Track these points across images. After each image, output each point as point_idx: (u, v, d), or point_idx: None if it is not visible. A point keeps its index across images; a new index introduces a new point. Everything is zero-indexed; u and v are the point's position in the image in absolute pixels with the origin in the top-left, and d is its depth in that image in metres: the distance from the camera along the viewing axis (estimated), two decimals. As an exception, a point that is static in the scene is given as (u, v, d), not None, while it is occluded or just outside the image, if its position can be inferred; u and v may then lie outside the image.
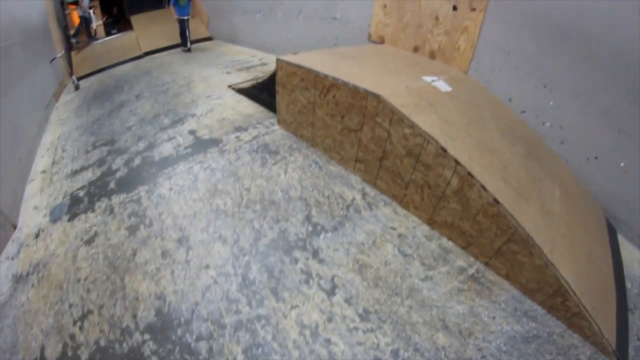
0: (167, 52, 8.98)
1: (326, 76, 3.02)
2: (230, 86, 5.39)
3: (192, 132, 4.05)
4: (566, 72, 3.58)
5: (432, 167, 2.54)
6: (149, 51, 9.06)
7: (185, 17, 8.58)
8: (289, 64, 3.39)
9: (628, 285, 2.86)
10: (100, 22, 11.97)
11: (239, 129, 3.99)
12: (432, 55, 4.36)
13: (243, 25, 8.20)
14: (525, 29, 3.81)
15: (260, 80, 4.32)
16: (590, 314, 2.10)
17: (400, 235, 2.63)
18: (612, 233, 3.27)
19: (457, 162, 2.38)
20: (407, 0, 4.48)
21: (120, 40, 10.01)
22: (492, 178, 2.43)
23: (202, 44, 9.53)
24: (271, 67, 6.27)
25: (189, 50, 8.77)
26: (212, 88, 5.46)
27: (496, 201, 2.27)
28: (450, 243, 2.61)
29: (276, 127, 3.96)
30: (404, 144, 2.64)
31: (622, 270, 2.98)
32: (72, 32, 10.34)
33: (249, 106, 4.60)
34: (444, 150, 2.42)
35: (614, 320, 2.33)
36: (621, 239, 3.27)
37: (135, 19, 10.84)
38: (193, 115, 4.44)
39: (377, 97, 2.68)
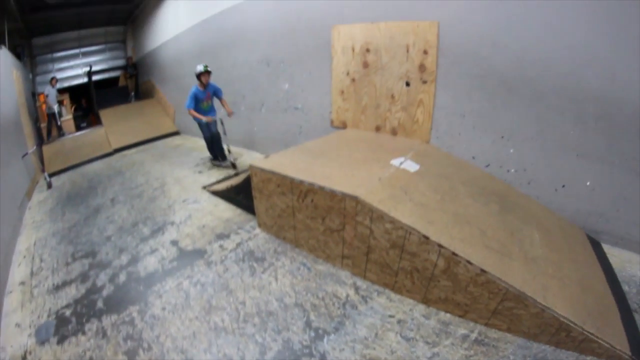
0: (136, 149, 9.05)
1: (302, 182, 3.13)
2: (204, 187, 5.44)
3: (174, 242, 4.03)
4: (519, 119, 3.88)
5: (417, 254, 2.64)
6: (118, 148, 9.09)
7: (216, 117, 6.40)
8: (263, 170, 3.49)
9: (625, 288, 2.99)
10: (70, 115, 12.05)
11: (221, 236, 4.00)
12: (393, 132, 4.59)
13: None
14: (475, 89, 4.08)
15: (235, 184, 4.37)
16: (596, 335, 2.21)
17: (399, 321, 2.66)
18: (596, 247, 3.47)
19: (440, 245, 2.50)
20: (362, 84, 4.73)
21: (90, 136, 10.12)
22: (475, 249, 2.56)
23: (169, 140, 9.64)
24: (240, 162, 6.40)
25: (234, 166, 6.32)
26: (186, 190, 5.49)
27: (483, 271, 2.38)
28: (448, 315, 2.67)
29: (257, 230, 3.98)
30: (387, 238, 2.74)
31: (615, 277, 3.12)
32: (43, 124, 10.46)
33: (226, 209, 4.62)
34: (426, 237, 2.54)
35: (622, 328, 2.44)
36: (607, 248, 3.47)
37: (104, 114, 11.04)
38: (172, 223, 4.43)
39: (355, 199, 2.79)
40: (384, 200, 2.79)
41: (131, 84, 14.32)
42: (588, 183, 3.59)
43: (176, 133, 10.16)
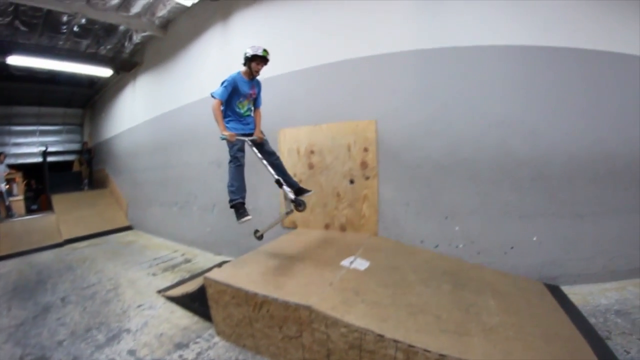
0: (88, 242, 8.81)
1: (256, 294, 3.21)
2: (159, 292, 5.30)
3: (131, 352, 3.86)
4: (459, 198, 4.24)
5: (375, 351, 2.71)
6: (69, 239, 8.84)
7: (251, 135, 4.34)
8: (217, 282, 3.54)
9: (592, 320, 3.19)
10: (21, 196, 11.72)
11: (179, 345, 3.87)
12: (342, 229, 4.79)
13: (161, 217, 8.22)
14: (415, 178, 4.42)
15: (189, 291, 4.35)
16: None
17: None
18: (556, 291, 3.69)
19: (395, 340, 2.61)
20: (309, 184, 4.89)
21: (40, 222, 9.82)
22: (431, 336, 2.69)
23: (121, 235, 9.47)
24: (195, 264, 6.35)
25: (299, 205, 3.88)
26: (141, 295, 5.34)
27: (442, 355, 2.48)
28: (416, 398, 2.72)
29: (216, 339, 3.89)
30: (344, 340, 2.82)
31: (580, 314, 3.32)
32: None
33: (183, 316, 4.50)
34: (381, 335, 2.65)
35: None
36: (566, 288, 3.75)
37: (56, 200, 10.81)
38: (128, 331, 4.27)
39: (308, 308, 2.90)
40: (336, 306, 2.90)
41: (85, 171, 14.16)
42: (535, 238, 3.98)
43: (129, 228, 10.00)
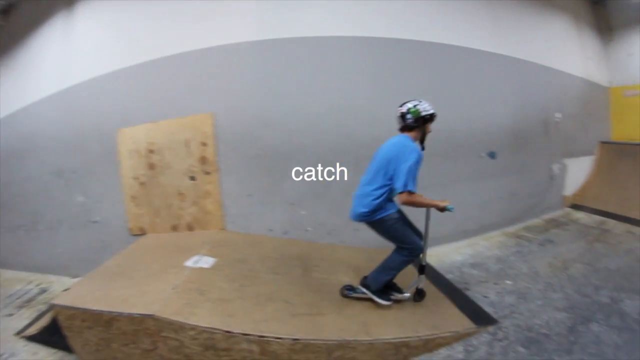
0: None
1: (101, 312, 3.09)
2: (17, 334, 4.63)
3: (-4, 413, 3.61)
4: (302, 183, 4.51)
5: (230, 348, 2.82)
6: None
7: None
8: (63, 307, 3.36)
9: (450, 276, 3.60)
10: None
11: (48, 389, 3.60)
12: (190, 228, 4.80)
13: (10, 245, 7.08)
14: (255, 168, 4.58)
15: (45, 325, 4.07)
16: (427, 333, 2.78)
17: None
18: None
19: (244, 334, 2.73)
20: (152, 186, 4.86)
21: None
22: (282, 323, 2.87)
23: None
24: (51, 293, 5.77)
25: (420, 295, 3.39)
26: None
27: (296, 339, 2.69)
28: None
29: None
30: (197, 343, 2.87)
31: (437, 272, 3.71)
32: None
33: (47, 355, 4.06)
34: (229, 332, 2.75)
35: (458, 311, 3.05)
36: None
37: None
38: None
39: (151, 317, 2.90)
40: (180, 310, 2.93)
41: None
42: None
43: (-27, 263, 8.61)
